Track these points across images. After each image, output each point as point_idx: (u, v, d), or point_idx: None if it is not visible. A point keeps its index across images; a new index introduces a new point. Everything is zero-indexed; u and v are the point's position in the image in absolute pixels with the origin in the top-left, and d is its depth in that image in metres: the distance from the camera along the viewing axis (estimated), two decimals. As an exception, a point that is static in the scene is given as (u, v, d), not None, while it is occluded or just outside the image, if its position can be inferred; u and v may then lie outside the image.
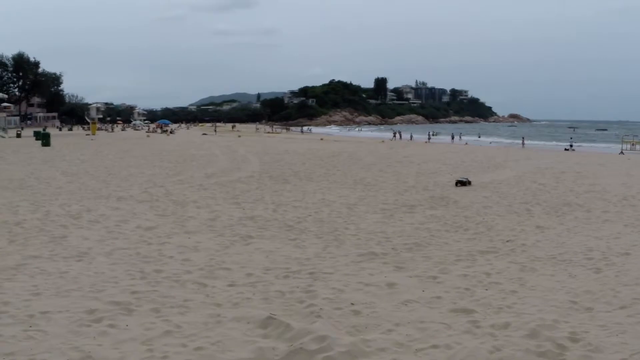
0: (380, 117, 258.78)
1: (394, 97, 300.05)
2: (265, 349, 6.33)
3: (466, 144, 74.57)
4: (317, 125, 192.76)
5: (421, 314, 7.71)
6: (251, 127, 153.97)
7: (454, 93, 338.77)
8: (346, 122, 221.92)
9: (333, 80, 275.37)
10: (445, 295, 8.63)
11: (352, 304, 8.00)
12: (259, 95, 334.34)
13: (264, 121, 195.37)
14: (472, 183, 23.39)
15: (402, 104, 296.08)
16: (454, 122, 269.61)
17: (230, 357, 6.18)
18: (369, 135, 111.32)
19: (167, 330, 6.98)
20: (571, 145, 64.37)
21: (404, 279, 9.52)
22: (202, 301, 8.17)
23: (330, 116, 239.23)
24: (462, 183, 23.18)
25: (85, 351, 6.22)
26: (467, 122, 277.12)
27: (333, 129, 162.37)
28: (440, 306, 8.07)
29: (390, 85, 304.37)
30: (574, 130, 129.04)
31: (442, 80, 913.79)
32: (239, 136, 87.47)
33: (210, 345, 6.53)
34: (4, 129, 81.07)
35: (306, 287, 8.88)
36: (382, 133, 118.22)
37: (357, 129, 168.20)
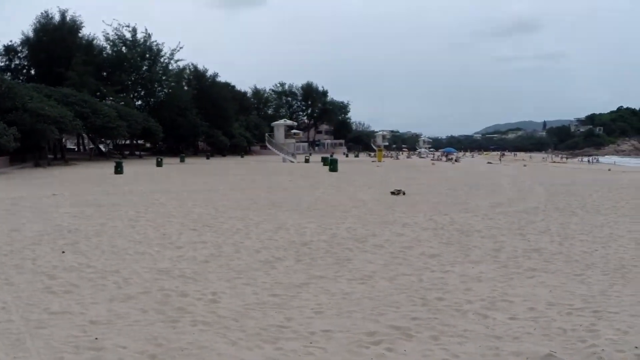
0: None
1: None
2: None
3: None
4: (604, 154, 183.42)
5: None
6: (536, 156, 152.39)
7: None
8: (635, 152, 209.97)
9: (621, 107, 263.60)
10: None
11: (637, 347, 7.61)
12: (544, 123, 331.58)
13: (549, 150, 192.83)
14: None
15: None
16: None
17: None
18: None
19: (444, 359, 7.25)
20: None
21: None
22: (482, 332, 8.29)
23: (618, 145, 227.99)
24: None
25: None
26: None
27: (620, 158, 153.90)
28: None
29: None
30: None
31: None
32: (524, 165, 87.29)
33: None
34: (293, 155, 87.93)
35: (589, 326, 8.56)
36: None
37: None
